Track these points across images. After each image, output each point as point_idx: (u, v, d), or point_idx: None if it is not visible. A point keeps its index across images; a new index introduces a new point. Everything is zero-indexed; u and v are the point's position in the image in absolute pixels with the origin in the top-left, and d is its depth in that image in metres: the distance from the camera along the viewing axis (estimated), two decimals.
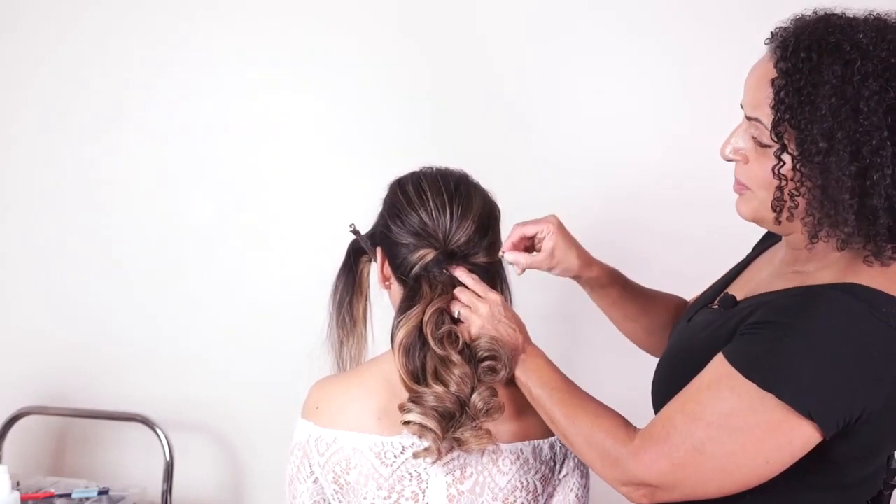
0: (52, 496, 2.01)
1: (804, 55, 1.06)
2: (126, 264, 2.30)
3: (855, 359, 1.04)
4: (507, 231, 1.36)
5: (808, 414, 1.04)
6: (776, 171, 1.08)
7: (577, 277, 1.44)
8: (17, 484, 2.00)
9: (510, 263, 1.35)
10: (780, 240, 1.28)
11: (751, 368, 1.06)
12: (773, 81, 1.08)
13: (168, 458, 2.09)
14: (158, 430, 2.09)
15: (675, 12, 2.01)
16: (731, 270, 1.37)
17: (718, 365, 1.10)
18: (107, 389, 2.28)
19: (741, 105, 1.15)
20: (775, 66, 1.09)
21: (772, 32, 1.13)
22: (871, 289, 1.07)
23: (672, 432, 1.09)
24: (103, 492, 2.04)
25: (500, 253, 1.32)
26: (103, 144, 2.30)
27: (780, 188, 1.09)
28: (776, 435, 1.05)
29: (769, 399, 1.04)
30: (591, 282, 1.45)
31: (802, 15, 1.12)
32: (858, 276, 1.09)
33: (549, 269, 1.40)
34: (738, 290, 1.25)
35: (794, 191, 1.08)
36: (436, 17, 2.13)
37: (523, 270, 1.36)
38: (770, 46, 1.13)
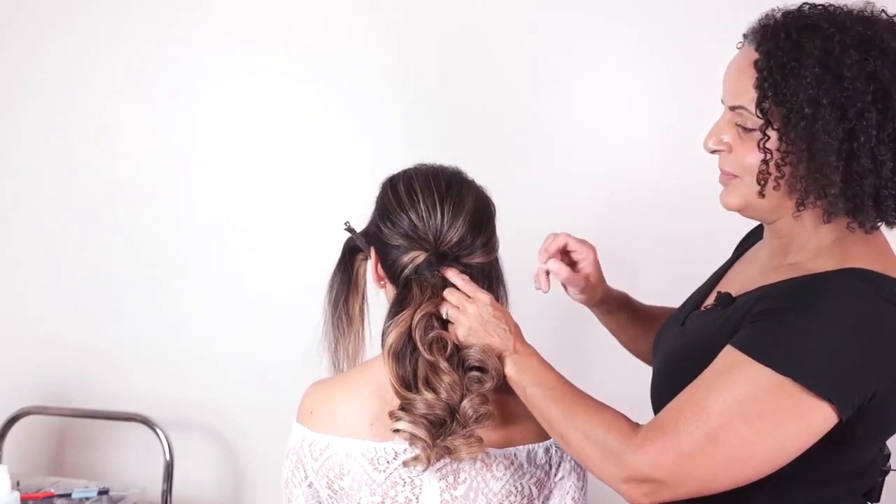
0: (52, 496, 2.01)
1: (784, 35, 1.10)
2: (126, 264, 2.30)
3: (867, 338, 1.05)
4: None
5: (828, 396, 1.02)
6: (761, 146, 1.10)
7: (590, 304, 1.48)
8: (17, 484, 2.00)
9: (552, 272, 1.36)
10: (759, 239, 1.29)
11: (765, 354, 1.05)
12: (755, 63, 1.11)
13: (168, 458, 2.09)
14: (158, 430, 2.09)
15: (671, 12, 2.00)
16: (715, 273, 1.38)
17: (728, 354, 1.08)
18: (107, 389, 2.28)
19: (721, 101, 1.18)
20: (756, 50, 1.12)
21: (744, 34, 1.17)
22: (871, 271, 1.09)
23: (681, 422, 1.05)
24: (103, 492, 2.04)
25: (543, 262, 1.32)
26: (103, 145, 2.30)
27: (765, 161, 1.11)
28: (794, 419, 1.04)
29: (786, 383, 1.03)
30: (602, 308, 1.49)
31: (772, 11, 1.17)
32: (855, 262, 1.10)
33: (571, 290, 1.43)
34: (728, 289, 1.24)
35: (780, 161, 1.10)
36: (435, 16, 2.12)
37: (549, 287, 1.36)
38: (746, 41, 1.16)
